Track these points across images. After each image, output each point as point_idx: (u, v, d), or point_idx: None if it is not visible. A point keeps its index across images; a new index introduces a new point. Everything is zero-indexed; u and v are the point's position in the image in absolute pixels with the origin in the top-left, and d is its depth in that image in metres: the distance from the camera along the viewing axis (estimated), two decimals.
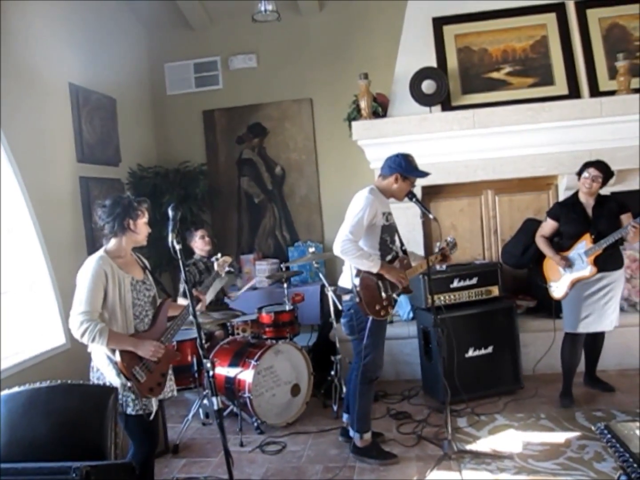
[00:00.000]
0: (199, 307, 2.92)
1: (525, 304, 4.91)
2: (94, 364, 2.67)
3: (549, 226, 4.05)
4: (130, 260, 2.78)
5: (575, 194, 3.99)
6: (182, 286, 4.31)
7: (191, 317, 2.42)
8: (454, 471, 3.20)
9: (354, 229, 3.17)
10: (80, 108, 4.85)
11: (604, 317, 3.86)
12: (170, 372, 2.82)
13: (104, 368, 2.60)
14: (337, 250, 3.21)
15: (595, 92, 4.77)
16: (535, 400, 4.13)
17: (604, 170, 3.82)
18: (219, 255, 3.35)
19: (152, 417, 2.65)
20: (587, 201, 3.91)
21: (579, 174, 3.90)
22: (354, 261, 3.19)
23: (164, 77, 6.24)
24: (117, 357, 2.54)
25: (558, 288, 3.98)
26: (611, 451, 1.85)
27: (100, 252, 2.68)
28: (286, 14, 5.39)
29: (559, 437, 3.51)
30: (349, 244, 3.14)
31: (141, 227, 2.72)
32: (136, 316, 2.69)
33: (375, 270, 3.21)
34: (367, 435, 3.44)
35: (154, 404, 2.68)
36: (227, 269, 3.30)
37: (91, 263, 2.61)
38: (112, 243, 2.72)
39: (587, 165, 3.87)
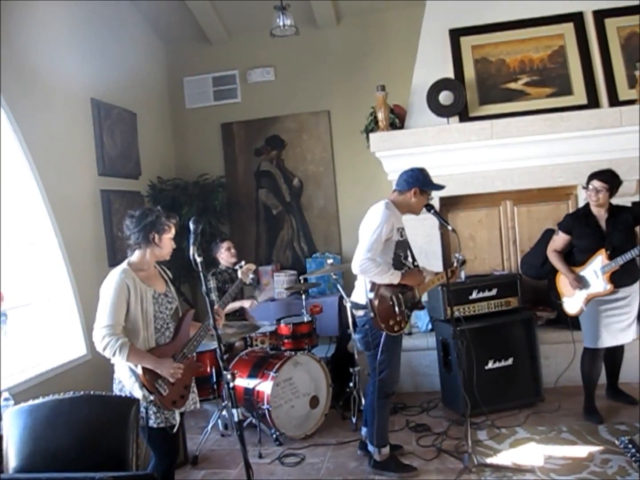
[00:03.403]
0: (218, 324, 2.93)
1: (545, 315, 4.86)
2: (116, 376, 2.70)
3: (561, 240, 3.94)
4: (153, 273, 2.81)
5: (587, 206, 3.88)
6: (212, 295, 4.37)
7: (212, 329, 2.44)
8: None
9: (372, 247, 3.15)
10: (101, 122, 4.94)
11: (622, 330, 3.79)
12: (193, 384, 2.84)
13: (125, 380, 2.63)
14: (355, 269, 3.22)
15: (614, 101, 4.74)
16: (557, 413, 4.08)
17: (609, 181, 3.71)
18: (243, 262, 3.34)
19: (175, 430, 2.67)
20: (599, 213, 3.80)
21: (586, 186, 3.81)
22: (374, 278, 3.19)
23: (183, 91, 6.31)
24: (139, 371, 2.57)
25: (572, 304, 3.91)
26: (636, 465, 1.83)
27: (124, 265, 2.70)
28: (303, 28, 5.44)
29: (582, 450, 3.45)
30: (367, 262, 3.13)
31: (165, 242, 2.75)
32: (157, 329, 2.71)
33: (396, 281, 3.21)
34: (385, 450, 3.42)
35: (177, 417, 2.69)
36: (251, 275, 3.29)
37: (114, 276, 2.63)
38: (135, 255, 2.75)
39: (591, 177, 3.77)
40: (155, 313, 2.69)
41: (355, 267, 3.21)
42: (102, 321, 2.55)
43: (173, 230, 2.78)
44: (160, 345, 2.69)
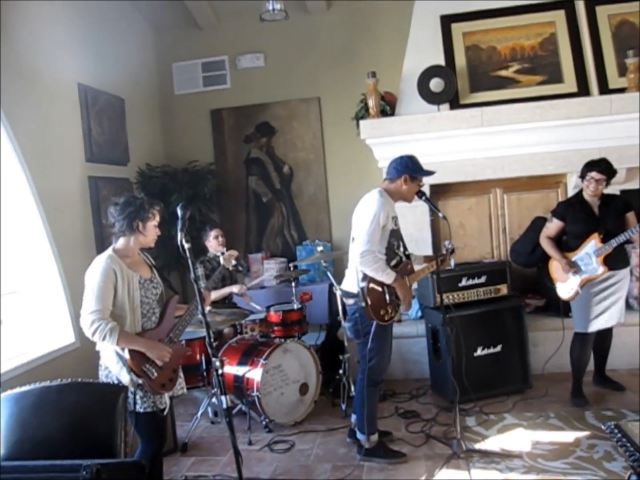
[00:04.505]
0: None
1: (534, 302, 4.89)
2: (102, 362, 2.69)
3: (554, 226, 3.98)
4: (138, 260, 2.80)
5: (580, 193, 3.93)
6: (200, 282, 4.34)
7: (200, 316, 2.43)
8: (463, 470, 3.19)
9: (371, 237, 3.15)
10: (89, 108, 4.87)
11: (612, 314, 3.83)
12: (180, 369, 2.84)
13: (112, 366, 2.62)
14: (353, 260, 3.22)
15: (604, 89, 4.74)
16: (545, 399, 4.11)
17: (607, 171, 3.76)
18: (224, 249, 3.36)
19: (165, 412, 2.68)
20: (592, 200, 3.86)
21: (582, 176, 3.84)
22: (370, 272, 3.18)
23: (172, 76, 6.25)
24: (127, 355, 2.56)
25: (567, 289, 3.94)
26: (621, 450, 1.84)
27: (109, 251, 2.69)
28: (294, 13, 5.39)
29: (569, 436, 3.49)
30: (367, 255, 3.13)
31: (150, 230, 2.74)
32: (143, 314, 2.71)
33: (388, 282, 3.22)
34: (374, 437, 3.44)
35: (166, 400, 2.70)
36: (233, 262, 3.29)
37: (100, 262, 2.62)
38: (120, 242, 2.74)
39: (589, 168, 3.80)
40: (142, 298, 2.69)
41: (355, 259, 3.21)
42: (90, 306, 2.54)
43: (157, 218, 2.77)
44: (146, 330, 2.69)
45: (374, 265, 3.15)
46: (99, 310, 2.52)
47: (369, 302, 3.19)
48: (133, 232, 2.70)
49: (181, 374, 2.87)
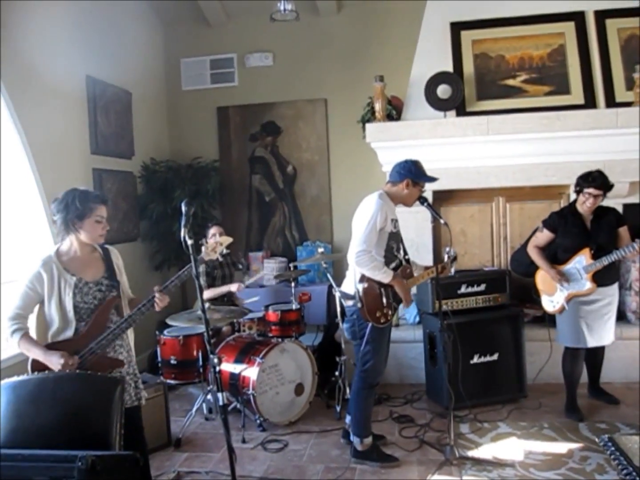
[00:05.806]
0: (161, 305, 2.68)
1: (532, 312, 4.88)
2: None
3: (544, 237, 3.94)
4: (86, 259, 2.64)
5: (573, 205, 3.87)
6: (202, 279, 4.33)
7: (199, 313, 2.42)
8: (455, 477, 3.20)
9: (367, 237, 3.15)
10: (96, 101, 4.88)
11: (603, 332, 3.82)
12: (137, 378, 2.71)
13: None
14: (351, 261, 3.23)
15: (611, 102, 4.75)
16: (539, 409, 4.12)
17: (604, 187, 3.69)
18: (218, 237, 2.91)
19: None
20: (585, 213, 3.81)
21: (578, 191, 3.77)
22: (367, 272, 3.19)
23: (179, 72, 6.26)
24: (29, 362, 2.53)
25: (553, 302, 3.93)
26: (614, 464, 1.84)
27: (49, 252, 2.60)
28: (304, 14, 5.39)
29: (562, 447, 3.50)
30: (362, 255, 3.13)
31: (89, 226, 2.57)
32: (82, 319, 2.57)
33: (386, 281, 3.22)
34: (368, 440, 3.44)
35: None
36: (223, 250, 2.87)
37: (34, 264, 2.56)
38: (65, 242, 2.63)
39: (586, 184, 3.71)
40: (77, 302, 2.55)
41: (350, 259, 3.21)
42: (14, 302, 2.53)
43: (98, 212, 2.59)
44: (62, 341, 2.54)
45: (370, 264, 3.15)
46: (17, 309, 2.52)
47: (365, 303, 3.19)
48: (70, 230, 2.57)
49: (140, 384, 2.74)
